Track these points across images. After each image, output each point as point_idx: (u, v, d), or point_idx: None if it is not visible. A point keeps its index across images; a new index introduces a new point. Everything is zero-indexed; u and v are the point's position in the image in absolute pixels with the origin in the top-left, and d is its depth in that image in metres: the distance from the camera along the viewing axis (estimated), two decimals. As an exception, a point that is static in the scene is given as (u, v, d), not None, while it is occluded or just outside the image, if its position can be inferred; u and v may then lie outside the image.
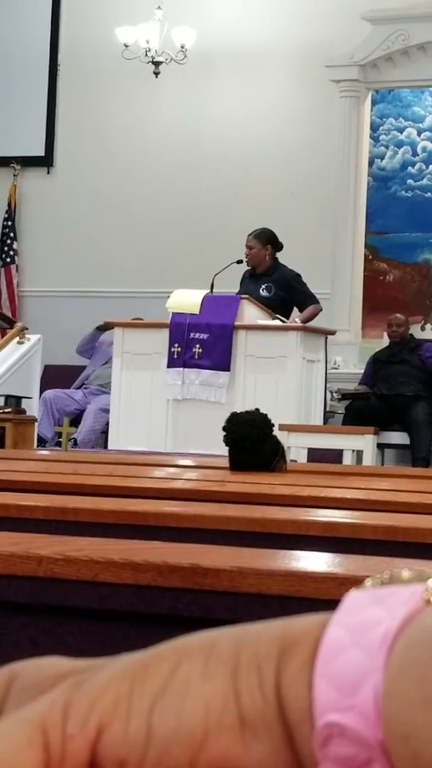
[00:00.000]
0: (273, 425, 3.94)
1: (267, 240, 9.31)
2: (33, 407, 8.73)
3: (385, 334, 10.15)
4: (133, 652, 0.50)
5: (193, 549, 1.53)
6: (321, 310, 9.16)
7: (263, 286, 9.16)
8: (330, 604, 0.49)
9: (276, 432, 4.02)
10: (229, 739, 0.47)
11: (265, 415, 3.94)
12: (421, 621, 0.46)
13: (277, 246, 9.33)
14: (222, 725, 0.47)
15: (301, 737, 0.46)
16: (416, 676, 0.44)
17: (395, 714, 0.44)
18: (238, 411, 4.13)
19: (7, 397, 8.23)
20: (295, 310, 9.18)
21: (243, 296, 8.65)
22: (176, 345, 8.49)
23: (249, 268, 9.33)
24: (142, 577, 1.40)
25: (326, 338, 8.86)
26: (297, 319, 8.86)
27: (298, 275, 9.26)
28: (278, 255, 9.39)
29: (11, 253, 12.20)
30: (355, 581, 1.31)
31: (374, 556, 1.58)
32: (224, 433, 3.89)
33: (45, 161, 12.22)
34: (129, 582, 1.41)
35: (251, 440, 3.79)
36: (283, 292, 9.15)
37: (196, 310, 8.51)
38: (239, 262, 9.25)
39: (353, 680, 0.45)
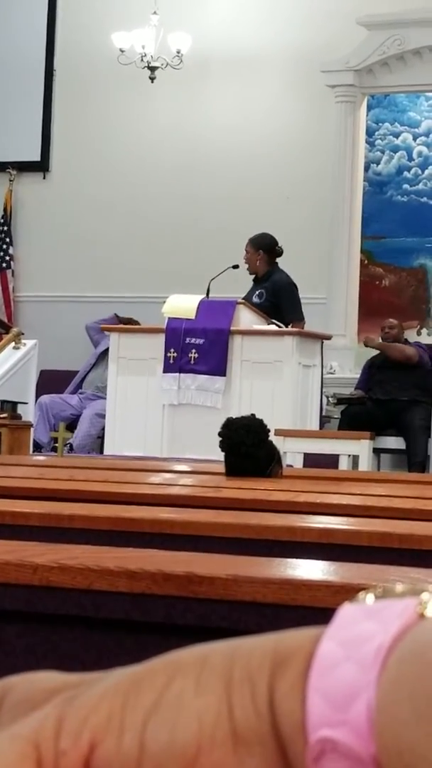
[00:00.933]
0: (269, 431, 3.94)
1: (259, 245, 9.32)
2: (29, 412, 8.73)
3: (380, 339, 10.15)
4: (126, 666, 0.50)
5: (188, 557, 1.52)
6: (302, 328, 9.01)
7: (257, 293, 9.19)
8: (325, 613, 0.49)
9: (272, 437, 4.02)
10: (223, 753, 0.47)
11: (261, 420, 3.94)
12: (414, 635, 0.46)
13: (272, 252, 9.34)
14: (215, 740, 0.47)
15: (294, 752, 0.46)
16: (409, 691, 0.44)
17: (388, 729, 0.44)
18: (234, 416, 4.13)
19: (3, 403, 8.23)
20: None
21: (239, 301, 8.65)
22: (172, 350, 8.49)
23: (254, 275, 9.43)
24: (137, 585, 1.40)
25: (322, 343, 8.86)
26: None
27: (292, 285, 9.25)
28: (279, 261, 9.41)
29: (7, 258, 12.20)
30: (350, 589, 1.31)
31: (369, 564, 1.58)
32: (220, 439, 3.89)
33: (41, 166, 12.22)
34: (124, 590, 1.41)
35: (247, 446, 3.79)
36: (273, 298, 9.15)
37: (192, 315, 8.51)
38: (235, 266, 9.25)
39: (346, 695, 0.45)
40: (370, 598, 0.49)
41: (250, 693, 0.47)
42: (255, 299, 9.08)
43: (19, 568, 1.44)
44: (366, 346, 10.08)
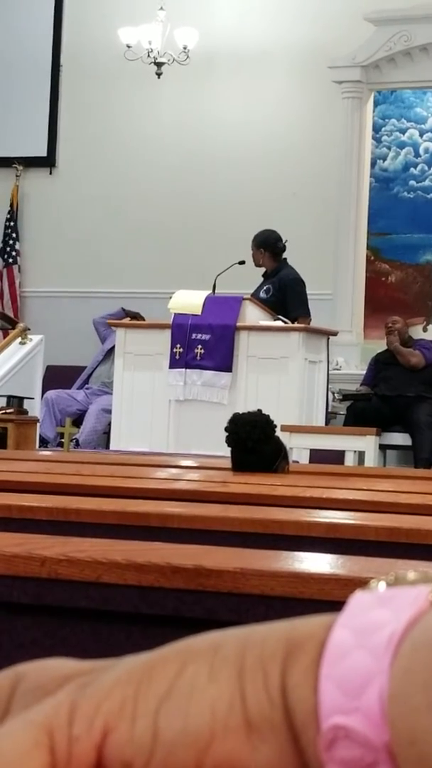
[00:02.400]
0: (275, 426, 3.94)
1: (259, 244, 9.33)
2: (35, 408, 8.73)
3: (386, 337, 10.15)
4: (138, 654, 0.50)
5: (196, 550, 1.53)
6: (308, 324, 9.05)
7: (263, 288, 9.19)
8: (333, 606, 0.49)
9: (278, 433, 4.02)
10: (235, 741, 0.47)
11: (268, 416, 3.94)
12: (426, 622, 0.46)
13: (275, 248, 9.33)
14: (228, 727, 0.47)
15: (306, 739, 0.46)
16: (422, 678, 0.44)
17: (401, 717, 0.44)
18: (241, 412, 4.13)
19: (9, 398, 8.23)
20: None
21: (245, 297, 8.65)
22: (178, 346, 8.49)
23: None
24: (146, 578, 1.40)
25: (328, 339, 8.86)
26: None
27: (299, 281, 9.25)
28: (287, 257, 9.41)
29: (13, 253, 12.20)
30: (358, 582, 1.31)
31: (377, 558, 1.58)
32: (226, 434, 3.89)
33: (47, 162, 12.22)
34: (132, 583, 1.41)
35: (253, 441, 3.79)
36: (280, 294, 9.15)
37: (198, 311, 8.51)
38: (241, 263, 9.25)
39: (359, 682, 0.45)
40: (382, 585, 0.49)
41: (262, 680, 0.47)
42: (262, 294, 9.09)
43: (28, 561, 1.44)
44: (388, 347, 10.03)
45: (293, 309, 9.08)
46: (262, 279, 9.40)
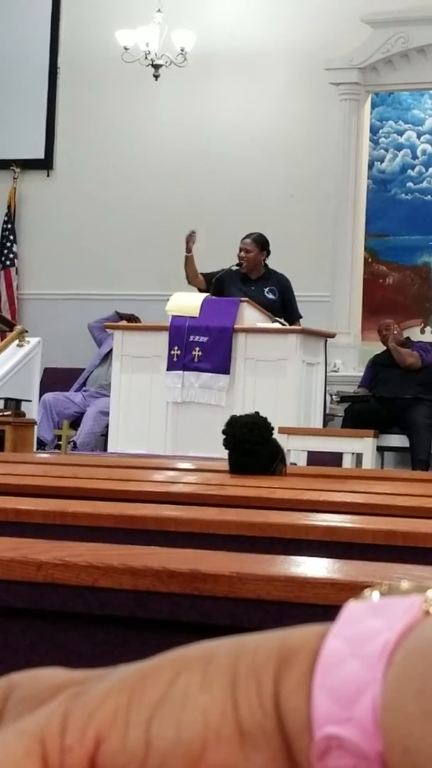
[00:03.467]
0: (273, 428, 3.94)
1: (264, 245, 9.31)
2: (32, 410, 8.73)
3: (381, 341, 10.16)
4: (131, 663, 0.50)
5: (192, 554, 1.52)
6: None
7: (267, 289, 9.15)
8: (329, 610, 0.49)
9: (275, 435, 4.02)
10: (228, 750, 0.47)
11: (265, 418, 3.94)
12: (420, 632, 0.46)
13: (269, 252, 9.35)
14: (221, 736, 0.47)
15: (299, 749, 0.46)
16: (415, 688, 0.44)
17: (394, 726, 0.44)
18: (238, 414, 4.13)
19: (7, 400, 8.23)
20: None
21: (242, 299, 8.65)
22: (176, 348, 8.49)
23: (235, 272, 9.26)
24: (142, 582, 1.40)
25: (326, 341, 8.86)
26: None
27: (291, 282, 9.30)
28: (277, 257, 9.40)
29: (11, 255, 12.20)
30: (355, 587, 1.31)
31: (374, 562, 1.58)
32: (224, 437, 3.89)
33: (45, 164, 12.22)
34: (128, 587, 1.41)
35: (251, 443, 3.79)
36: (282, 296, 9.17)
37: (196, 313, 8.51)
38: (238, 265, 9.25)
39: (352, 692, 0.45)
40: (375, 595, 0.49)
41: (255, 689, 0.47)
42: (269, 295, 9.07)
43: (24, 566, 1.44)
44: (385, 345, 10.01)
45: (293, 311, 9.12)
46: (240, 281, 9.26)
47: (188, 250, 9.32)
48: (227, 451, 3.90)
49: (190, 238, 9.42)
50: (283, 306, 9.09)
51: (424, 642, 0.45)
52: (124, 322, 9.78)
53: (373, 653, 0.46)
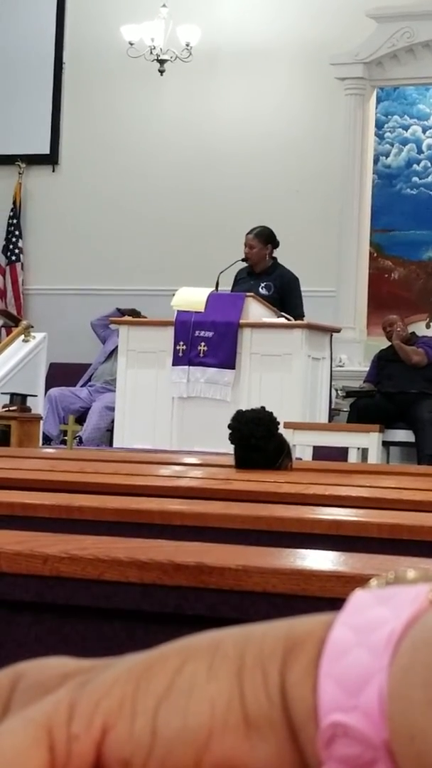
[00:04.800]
0: (278, 423, 3.93)
1: (268, 239, 9.30)
2: (38, 405, 8.74)
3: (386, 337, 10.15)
4: (138, 652, 0.50)
5: (198, 547, 1.53)
6: None
7: (263, 285, 9.14)
8: (335, 603, 0.49)
9: (281, 430, 4.02)
10: (234, 739, 0.47)
11: (271, 413, 3.93)
12: (426, 621, 0.46)
13: (276, 244, 9.32)
14: (227, 725, 0.47)
15: (305, 737, 0.46)
16: (421, 676, 0.44)
17: (400, 714, 0.44)
18: (244, 409, 4.13)
19: (13, 395, 8.24)
20: None
21: (248, 294, 8.64)
22: (181, 343, 8.49)
23: (245, 266, 9.29)
24: (148, 575, 1.40)
25: (331, 336, 8.86)
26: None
27: (298, 280, 9.24)
28: (281, 253, 9.38)
29: (16, 251, 12.20)
30: (360, 580, 1.31)
31: (379, 555, 1.58)
32: (230, 432, 3.88)
33: (50, 159, 12.22)
34: (134, 580, 1.41)
35: (257, 438, 3.78)
36: (280, 292, 9.13)
37: (201, 308, 8.50)
38: (244, 260, 9.25)
39: (358, 680, 0.45)
40: (382, 584, 0.49)
41: (262, 678, 0.47)
42: (262, 291, 9.05)
43: (30, 559, 1.44)
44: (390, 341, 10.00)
45: (295, 307, 9.07)
46: (246, 276, 9.28)
47: None
48: (233, 446, 3.90)
49: None
50: (281, 302, 9.01)
51: (430, 631, 0.45)
52: (127, 318, 9.76)
53: (379, 642, 0.46)
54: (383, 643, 0.46)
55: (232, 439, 3.87)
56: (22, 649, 1.44)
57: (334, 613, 0.48)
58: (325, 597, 1.33)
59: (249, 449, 3.80)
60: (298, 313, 9.00)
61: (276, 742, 0.47)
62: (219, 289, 8.85)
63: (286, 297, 9.13)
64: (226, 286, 8.98)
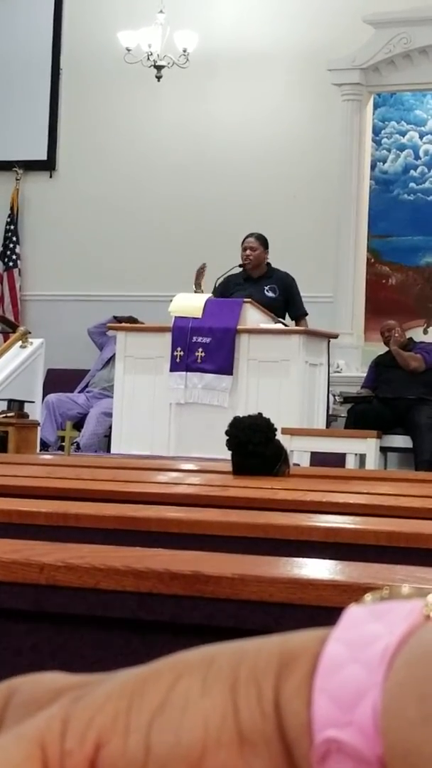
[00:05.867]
0: (276, 429, 3.93)
1: (266, 244, 9.33)
2: (36, 411, 8.74)
3: (383, 342, 10.15)
4: (132, 667, 0.50)
5: (194, 556, 1.52)
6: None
7: (267, 287, 9.15)
8: (331, 612, 0.49)
9: (279, 436, 4.01)
10: (228, 755, 0.46)
11: (268, 419, 3.93)
12: (420, 637, 0.46)
13: (268, 251, 9.39)
14: (221, 741, 0.47)
15: (299, 753, 0.46)
16: (415, 692, 0.44)
17: (394, 730, 0.44)
18: (241, 415, 4.13)
19: (10, 402, 8.23)
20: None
21: (245, 300, 8.64)
22: (179, 349, 8.49)
23: (237, 274, 9.27)
24: (144, 584, 1.40)
25: (329, 342, 8.86)
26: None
27: (295, 279, 9.30)
28: (279, 258, 9.41)
29: (14, 257, 12.21)
30: (357, 589, 1.31)
31: (376, 563, 1.58)
32: (227, 438, 3.88)
33: (47, 165, 12.23)
34: (131, 589, 1.41)
35: (255, 444, 3.78)
36: (285, 294, 9.17)
37: (199, 314, 8.51)
38: (241, 266, 9.26)
39: (352, 696, 0.45)
40: (376, 599, 0.49)
41: (255, 694, 0.47)
42: (269, 294, 9.07)
43: (26, 568, 1.44)
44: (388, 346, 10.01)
45: (299, 307, 9.15)
46: (243, 282, 9.26)
47: (197, 285, 9.14)
48: (230, 453, 3.89)
49: (201, 273, 9.23)
50: (286, 304, 9.11)
51: (424, 647, 0.45)
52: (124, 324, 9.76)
53: (373, 657, 0.46)
54: (377, 658, 0.46)
55: (230, 445, 3.87)
56: (19, 657, 1.44)
57: (329, 629, 0.48)
58: (322, 606, 1.33)
59: (246, 455, 3.80)
60: (302, 312, 9.11)
61: (270, 758, 0.46)
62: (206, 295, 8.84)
63: (290, 297, 9.18)
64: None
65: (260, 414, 3.99)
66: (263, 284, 9.18)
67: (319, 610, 1.32)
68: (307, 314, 9.15)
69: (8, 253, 12.22)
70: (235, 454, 3.86)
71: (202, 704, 0.47)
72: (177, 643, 0.48)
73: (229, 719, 0.47)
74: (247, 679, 0.47)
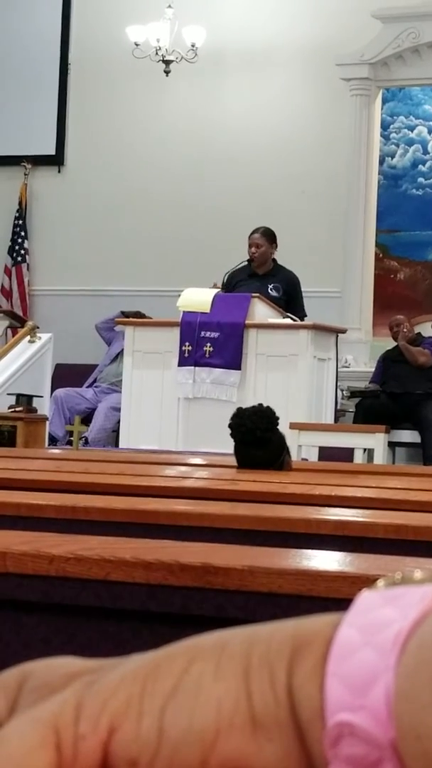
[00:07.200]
0: (278, 418, 3.89)
1: (272, 238, 9.32)
2: (44, 406, 8.74)
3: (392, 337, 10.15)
4: (145, 652, 0.50)
5: (203, 548, 1.53)
6: None
7: (271, 286, 9.15)
8: (341, 603, 0.49)
9: (287, 430, 4.01)
10: (241, 739, 0.47)
11: (269, 407, 3.89)
12: (432, 621, 0.46)
13: (276, 244, 9.35)
14: (233, 725, 0.47)
15: (312, 737, 0.46)
16: (428, 676, 0.44)
17: (407, 714, 0.44)
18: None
19: (19, 396, 8.23)
20: None
21: (254, 294, 8.64)
22: (187, 343, 8.49)
23: (242, 268, 9.26)
24: (154, 576, 1.40)
25: (337, 337, 8.86)
26: None
27: (299, 279, 9.28)
28: (287, 254, 9.39)
29: (22, 251, 12.21)
30: (366, 580, 1.31)
31: (385, 555, 1.58)
32: (231, 428, 3.83)
33: (56, 160, 12.23)
34: (140, 581, 1.41)
35: (262, 430, 3.74)
36: (287, 294, 9.15)
37: (207, 309, 8.50)
38: (250, 261, 9.25)
39: (365, 680, 0.45)
40: (389, 584, 0.49)
41: (268, 678, 0.47)
42: (272, 293, 9.07)
43: (36, 559, 1.44)
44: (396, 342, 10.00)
45: (301, 308, 9.11)
46: (247, 277, 9.25)
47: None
48: (234, 445, 3.85)
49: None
50: (287, 303, 9.08)
51: (436, 631, 0.45)
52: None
53: (386, 642, 0.46)
54: (390, 643, 0.46)
55: (235, 435, 3.80)
56: (28, 649, 1.44)
57: (341, 614, 0.48)
58: (332, 597, 1.33)
59: (253, 444, 3.75)
60: (303, 314, 9.05)
61: (283, 742, 0.47)
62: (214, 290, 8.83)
63: (292, 298, 9.16)
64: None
65: (261, 404, 3.95)
66: (267, 282, 9.17)
67: (329, 601, 1.32)
68: (305, 316, 9.06)
69: (17, 248, 12.22)
70: (240, 444, 3.81)
71: (215, 688, 0.47)
72: (186, 634, 0.48)
73: (242, 703, 0.47)
74: (260, 663, 0.47)
